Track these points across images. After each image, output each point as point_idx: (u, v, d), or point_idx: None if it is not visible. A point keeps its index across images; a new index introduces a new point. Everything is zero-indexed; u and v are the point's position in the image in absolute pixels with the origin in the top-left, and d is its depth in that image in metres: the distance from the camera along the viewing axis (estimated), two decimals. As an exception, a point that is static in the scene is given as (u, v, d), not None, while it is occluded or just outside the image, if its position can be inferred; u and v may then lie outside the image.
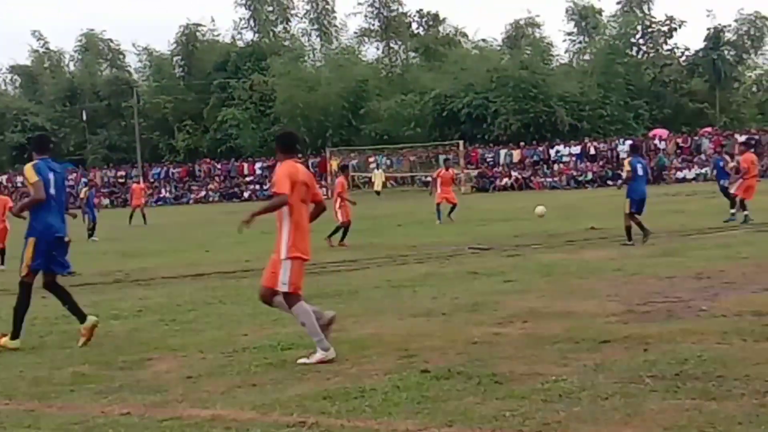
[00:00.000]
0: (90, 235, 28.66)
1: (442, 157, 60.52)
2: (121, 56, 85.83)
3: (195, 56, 78.35)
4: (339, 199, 22.08)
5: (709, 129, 58.35)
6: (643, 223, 18.37)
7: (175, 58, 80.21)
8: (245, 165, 68.77)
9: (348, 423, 6.30)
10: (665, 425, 5.86)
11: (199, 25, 79.22)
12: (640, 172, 18.76)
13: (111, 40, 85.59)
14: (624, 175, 19.15)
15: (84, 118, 75.49)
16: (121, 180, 72.37)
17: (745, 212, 22.53)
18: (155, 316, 11.60)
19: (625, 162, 19.44)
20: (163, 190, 69.52)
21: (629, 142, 56.58)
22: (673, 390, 6.67)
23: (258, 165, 67.98)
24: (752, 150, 25.31)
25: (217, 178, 68.56)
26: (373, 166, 63.16)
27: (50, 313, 12.39)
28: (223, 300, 12.89)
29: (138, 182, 48.15)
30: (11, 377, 8.43)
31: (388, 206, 37.04)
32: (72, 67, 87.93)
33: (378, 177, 55.44)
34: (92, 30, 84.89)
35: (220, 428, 6.35)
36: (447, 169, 30.97)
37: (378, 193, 53.84)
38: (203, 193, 67.42)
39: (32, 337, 10.52)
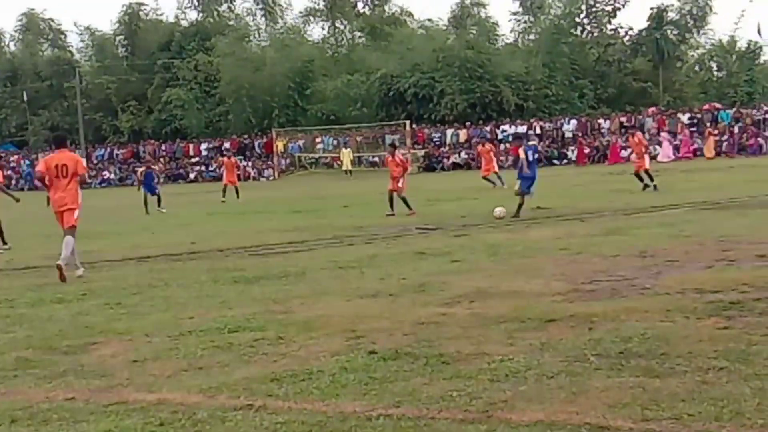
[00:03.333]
0: (146, 210, 30.60)
1: (389, 137, 60.74)
2: (62, 36, 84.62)
3: (138, 36, 77.43)
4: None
5: (653, 108, 58.77)
6: (522, 205, 20.81)
7: (117, 38, 79.24)
8: (191, 146, 68.25)
9: (295, 405, 6.29)
10: (609, 403, 5.92)
11: (142, 4, 78.45)
12: (530, 158, 21.48)
13: (52, 20, 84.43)
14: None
15: (24, 98, 74.30)
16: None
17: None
18: (100, 300, 11.47)
19: (520, 150, 22.29)
20: (107, 172, 68.76)
21: (574, 121, 57.40)
22: (618, 368, 6.75)
23: (204, 146, 67.50)
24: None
25: (162, 159, 67.92)
26: (320, 146, 63.00)
27: (-8, 297, 12.25)
28: (168, 283, 12.78)
29: None
30: (-47, 363, 8.31)
31: (335, 187, 37.02)
32: (12, 48, 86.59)
33: (346, 156, 55.11)
34: (33, 9, 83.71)
35: (166, 412, 6.30)
36: (483, 145, 37.75)
37: (349, 172, 53.45)
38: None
39: (-26, 322, 10.38)
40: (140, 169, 34.05)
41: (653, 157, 51.09)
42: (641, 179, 27.32)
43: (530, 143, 23.32)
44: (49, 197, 14.94)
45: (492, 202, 24.45)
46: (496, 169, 35.07)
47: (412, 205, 23.55)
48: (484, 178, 34.32)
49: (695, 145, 51.69)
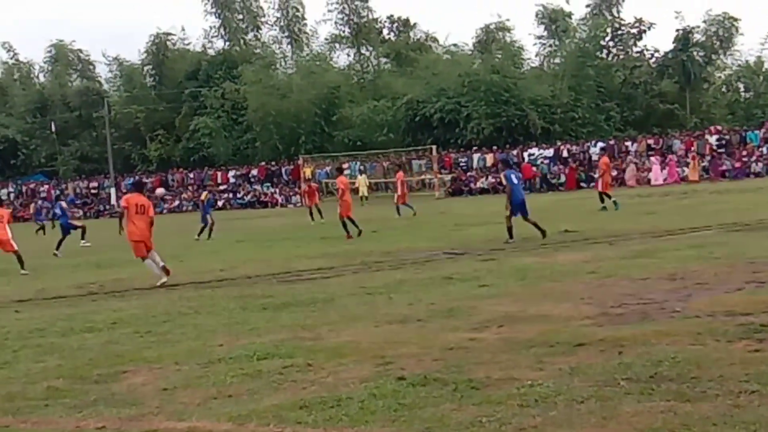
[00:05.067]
0: (209, 236, 30.93)
1: (415, 163, 60.73)
2: (91, 67, 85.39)
3: (166, 65, 78.03)
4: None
5: (717, 127, 58.34)
6: (537, 223, 21.21)
7: (145, 68, 79.84)
8: (219, 173, 68.54)
9: (325, 432, 6.30)
10: (640, 428, 5.89)
11: (170, 34, 78.96)
12: (515, 180, 21.87)
13: (80, 51, 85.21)
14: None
15: (53, 129, 74.95)
16: (93, 191, 72.09)
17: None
18: (130, 328, 11.54)
19: (501, 175, 23.14)
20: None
21: (600, 144, 57.27)
22: (648, 392, 6.71)
23: (231, 173, 67.79)
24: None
25: (190, 188, 68.27)
26: (347, 172, 62.99)
27: (23, 326, 12.34)
28: (198, 310, 12.83)
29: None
30: (-15, 393, 8.36)
31: (363, 212, 37.02)
32: (42, 79, 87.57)
33: (362, 183, 54.92)
34: (62, 41, 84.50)
35: (196, 440, 6.33)
36: (397, 172, 40.41)
37: (365, 198, 53.21)
38: (176, 202, 67.11)
39: (5, 351, 10.47)
40: (204, 194, 34.25)
41: (647, 181, 51.45)
42: (602, 200, 30.76)
43: (513, 168, 23.92)
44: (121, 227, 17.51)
45: (519, 228, 24.39)
46: (406, 199, 36.87)
47: (350, 230, 25.74)
48: (404, 204, 36.33)
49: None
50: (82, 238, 30.19)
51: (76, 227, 30.41)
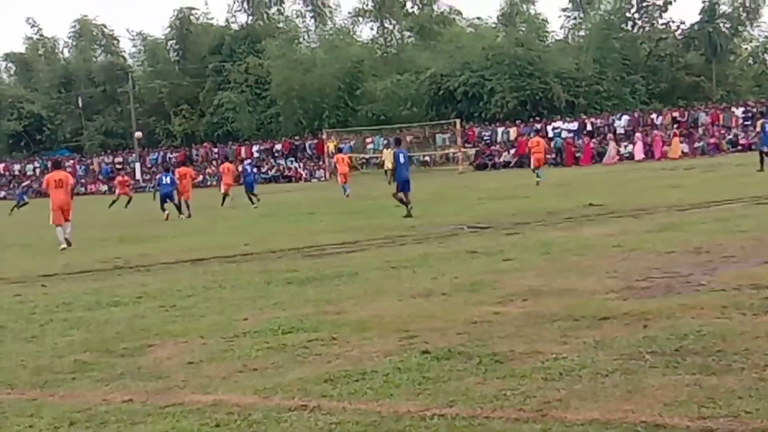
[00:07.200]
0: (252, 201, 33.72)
1: (439, 137, 60.56)
2: (115, 42, 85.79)
3: (189, 40, 78.15)
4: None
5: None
6: (406, 200, 23.47)
7: (169, 43, 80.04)
8: (242, 148, 68.61)
9: (350, 406, 6.31)
10: (665, 401, 5.87)
11: (193, 8, 79.21)
12: (401, 160, 24.01)
13: (104, 26, 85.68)
14: (389, 166, 24.94)
15: (79, 104, 75.28)
16: (118, 166, 72.36)
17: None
18: (155, 302, 11.59)
19: (389, 153, 25.46)
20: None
21: (626, 117, 56.96)
22: (673, 365, 6.69)
23: (255, 148, 67.83)
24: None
25: (214, 162, 68.37)
26: (370, 146, 62.91)
27: (50, 301, 12.44)
28: (222, 285, 12.87)
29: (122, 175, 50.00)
30: (13, 366, 8.44)
31: (386, 187, 37.02)
32: (66, 54, 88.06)
33: (388, 156, 54.55)
34: (86, 16, 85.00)
35: (222, 413, 6.36)
36: (223, 163, 42.62)
37: (389, 172, 52.67)
38: (201, 177, 67.22)
39: (33, 325, 10.56)
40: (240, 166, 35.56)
41: (630, 157, 51.32)
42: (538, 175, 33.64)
43: (401, 148, 25.91)
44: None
45: (544, 201, 24.33)
46: (225, 189, 36.73)
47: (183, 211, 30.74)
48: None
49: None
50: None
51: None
